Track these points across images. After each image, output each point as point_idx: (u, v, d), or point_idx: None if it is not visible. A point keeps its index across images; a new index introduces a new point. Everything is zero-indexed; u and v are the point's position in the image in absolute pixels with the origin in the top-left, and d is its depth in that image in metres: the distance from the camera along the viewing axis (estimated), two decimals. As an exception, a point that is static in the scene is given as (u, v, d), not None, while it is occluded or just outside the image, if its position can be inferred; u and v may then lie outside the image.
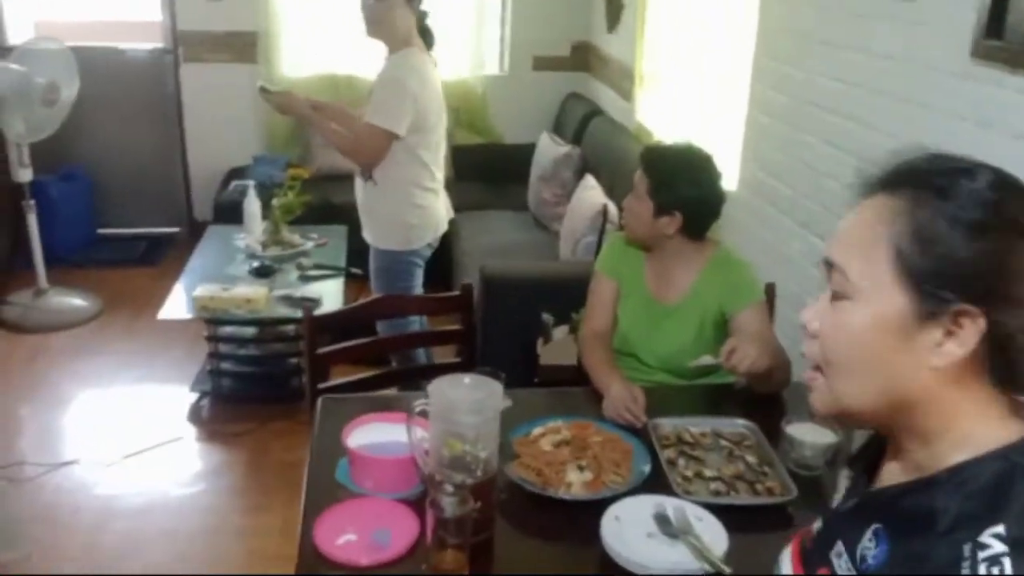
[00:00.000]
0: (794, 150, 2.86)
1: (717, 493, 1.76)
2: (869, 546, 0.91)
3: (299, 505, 1.71)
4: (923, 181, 0.88)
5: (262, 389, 3.96)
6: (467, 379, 1.60)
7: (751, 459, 1.89)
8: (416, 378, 2.85)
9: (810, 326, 0.96)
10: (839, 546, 0.97)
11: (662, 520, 1.63)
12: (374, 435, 1.81)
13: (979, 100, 2.05)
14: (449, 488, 1.52)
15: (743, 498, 1.74)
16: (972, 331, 0.85)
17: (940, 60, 2.19)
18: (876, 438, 1.04)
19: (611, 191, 4.01)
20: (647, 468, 1.80)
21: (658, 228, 2.24)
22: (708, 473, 1.83)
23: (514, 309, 3.47)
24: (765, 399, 2.17)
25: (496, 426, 1.58)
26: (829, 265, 0.94)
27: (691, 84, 4.05)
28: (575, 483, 1.74)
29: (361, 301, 2.58)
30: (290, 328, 3.82)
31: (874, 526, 0.92)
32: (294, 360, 3.89)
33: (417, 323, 3.34)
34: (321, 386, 2.35)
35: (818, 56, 2.73)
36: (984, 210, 0.85)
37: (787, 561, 1.11)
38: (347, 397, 2.22)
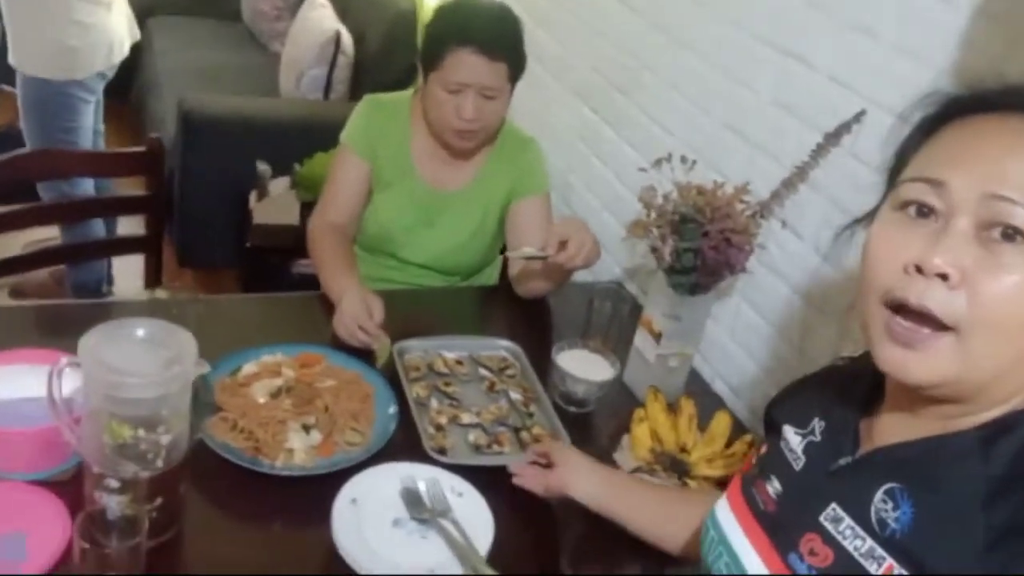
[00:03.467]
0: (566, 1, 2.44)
1: (477, 448, 1.43)
2: (885, 507, 0.81)
3: None
4: None
5: None
6: (140, 330, 1.09)
7: (515, 395, 1.57)
8: (91, 256, 2.20)
9: (950, 271, 0.74)
10: (835, 510, 0.86)
11: (411, 500, 1.28)
12: (12, 383, 1.24)
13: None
14: (113, 484, 1.06)
15: (509, 457, 1.41)
16: None
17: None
18: (871, 390, 0.91)
19: (344, 15, 3.38)
20: (393, 420, 1.41)
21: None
22: (465, 419, 1.49)
23: (221, 155, 2.90)
24: (532, 309, 1.85)
25: (187, 400, 1.10)
26: (996, 200, 0.74)
27: None
28: (298, 450, 1.31)
29: (4, 156, 1.85)
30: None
31: (887, 486, 0.82)
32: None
33: (90, 184, 2.63)
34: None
35: None
36: None
37: (731, 524, 0.97)
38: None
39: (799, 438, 0.97)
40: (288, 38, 3.45)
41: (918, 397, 0.82)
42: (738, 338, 1.78)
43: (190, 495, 1.19)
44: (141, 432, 1.06)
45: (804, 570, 0.86)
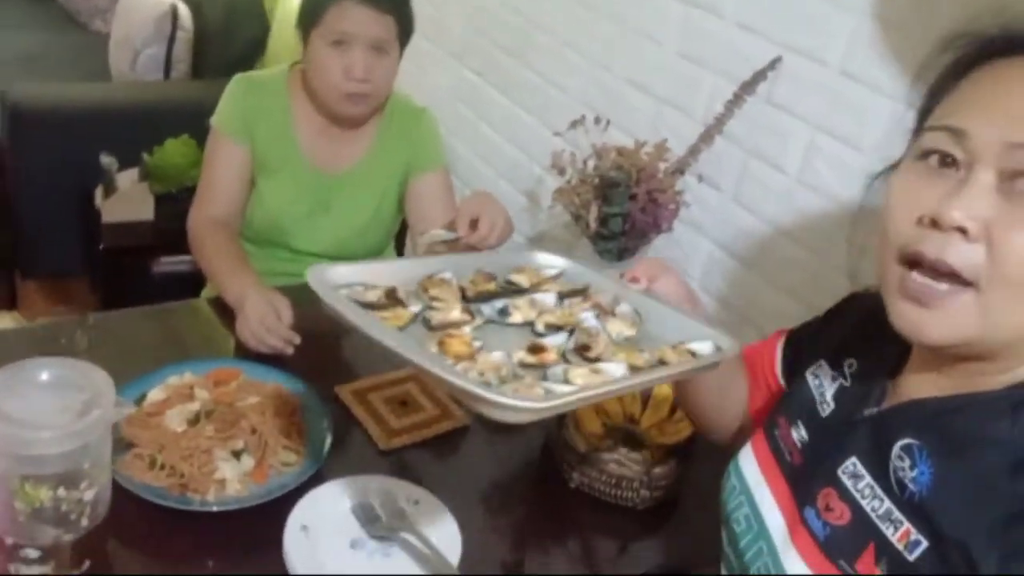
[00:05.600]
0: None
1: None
2: (902, 466, 0.77)
3: None
4: None
5: None
6: (44, 373, 0.92)
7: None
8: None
9: (969, 224, 0.70)
10: (853, 464, 0.82)
11: (366, 517, 1.17)
12: None
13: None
14: (33, 554, 0.92)
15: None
16: None
17: None
18: (900, 344, 0.83)
19: (178, -17, 3.10)
20: (328, 431, 1.29)
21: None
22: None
23: (57, 150, 2.60)
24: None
25: (108, 447, 0.94)
26: (1021, 149, 0.69)
27: None
28: (231, 479, 1.17)
29: None
30: None
31: (903, 441, 0.78)
32: None
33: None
34: None
35: None
36: None
37: (754, 476, 0.93)
38: None
39: (830, 380, 0.92)
40: (115, 15, 3.13)
41: (945, 352, 0.78)
42: (659, 298, 1.75)
43: (116, 550, 1.04)
44: (61, 491, 0.90)
45: (818, 527, 0.82)
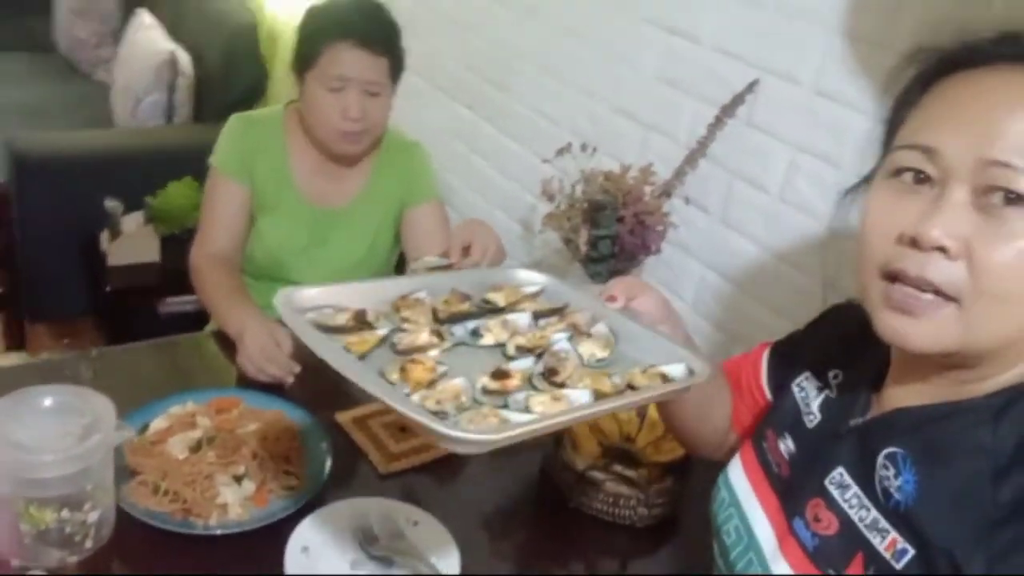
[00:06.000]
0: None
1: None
2: (887, 475, 0.77)
3: None
4: None
5: None
6: (47, 399, 0.95)
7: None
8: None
9: (949, 244, 0.70)
10: (840, 475, 0.82)
11: (366, 538, 1.19)
12: None
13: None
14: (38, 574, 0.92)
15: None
16: None
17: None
18: (882, 354, 0.86)
19: (176, 31, 3.17)
20: (327, 454, 1.31)
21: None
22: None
23: (63, 196, 2.65)
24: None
25: (110, 470, 0.97)
26: (993, 165, 0.69)
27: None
28: (232, 504, 1.19)
29: None
30: None
31: (888, 450, 0.78)
32: None
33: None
34: None
35: None
36: None
37: (744, 488, 0.94)
38: None
39: (816, 391, 0.93)
40: (116, 64, 3.20)
41: (926, 361, 0.78)
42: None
43: (121, 573, 1.06)
44: (65, 513, 0.93)
45: (807, 537, 0.83)
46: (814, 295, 1.41)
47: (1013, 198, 0.68)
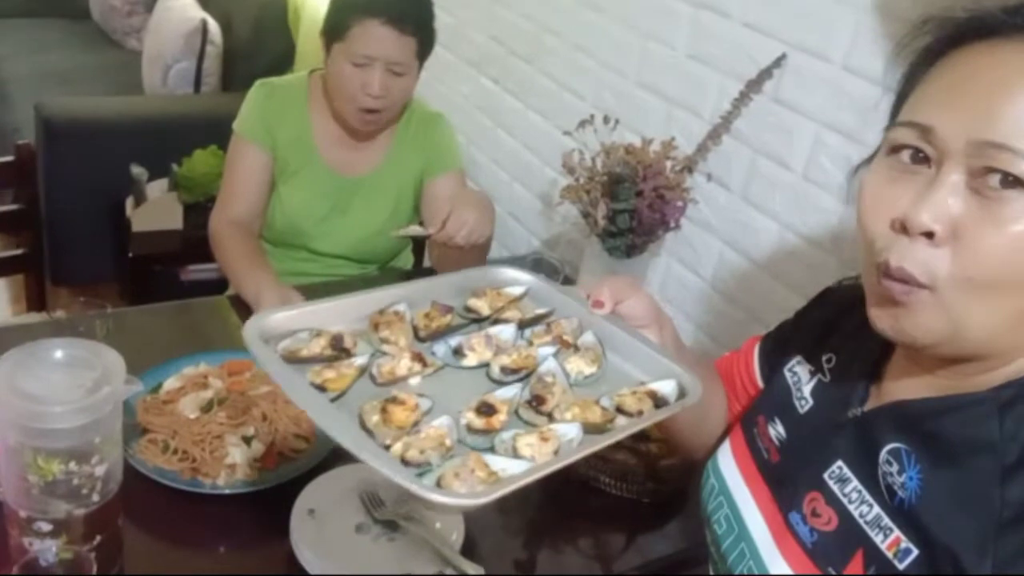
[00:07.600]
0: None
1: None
2: (891, 471, 0.75)
3: None
4: None
5: None
6: (58, 352, 0.96)
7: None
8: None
9: (937, 228, 0.67)
10: (840, 468, 0.80)
11: (372, 502, 1.19)
12: None
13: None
14: (45, 527, 0.95)
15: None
16: None
17: None
18: (879, 339, 0.80)
19: (207, 2, 3.18)
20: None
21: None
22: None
23: (90, 161, 2.66)
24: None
25: (118, 423, 0.98)
26: (986, 146, 0.66)
27: None
28: (240, 464, 1.20)
29: None
30: None
31: (891, 445, 0.76)
32: None
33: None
34: None
35: None
36: None
37: (733, 476, 0.93)
38: None
39: (808, 375, 0.90)
40: (148, 32, 3.22)
41: (926, 353, 0.75)
42: (670, 297, 1.76)
43: (128, 528, 1.07)
44: (72, 465, 0.93)
45: (805, 532, 0.80)
46: (835, 275, 1.40)
47: (1011, 181, 0.65)
